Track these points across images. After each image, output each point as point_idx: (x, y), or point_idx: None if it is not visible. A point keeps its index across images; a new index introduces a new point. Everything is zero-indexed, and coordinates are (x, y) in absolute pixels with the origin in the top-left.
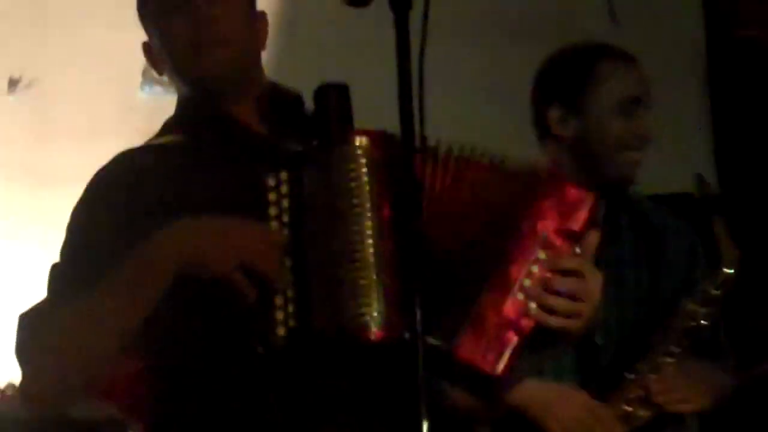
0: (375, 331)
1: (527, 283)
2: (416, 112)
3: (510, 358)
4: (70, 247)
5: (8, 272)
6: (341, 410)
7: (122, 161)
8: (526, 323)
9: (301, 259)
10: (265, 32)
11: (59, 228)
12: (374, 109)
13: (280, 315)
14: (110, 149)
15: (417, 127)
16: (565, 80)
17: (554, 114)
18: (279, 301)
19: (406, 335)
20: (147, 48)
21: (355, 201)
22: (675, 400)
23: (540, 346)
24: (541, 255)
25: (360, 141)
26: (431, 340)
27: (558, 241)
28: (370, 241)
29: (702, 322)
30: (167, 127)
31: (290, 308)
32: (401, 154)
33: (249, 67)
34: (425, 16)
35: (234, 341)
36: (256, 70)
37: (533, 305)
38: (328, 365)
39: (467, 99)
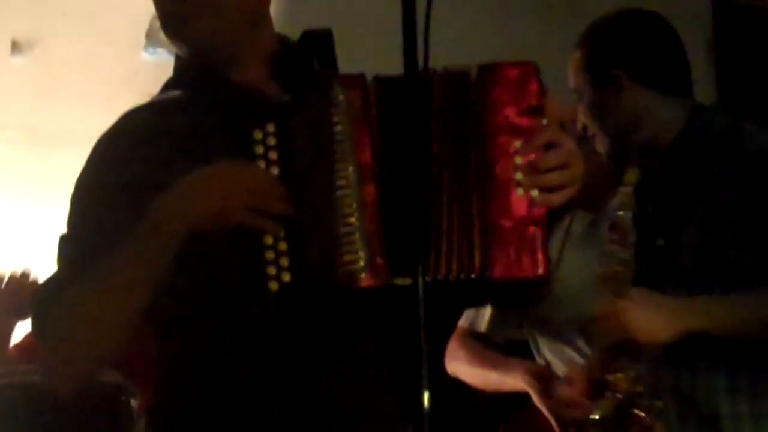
0: (362, 278)
1: (519, 176)
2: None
3: (544, 253)
4: (77, 217)
5: (12, 233)
6: (342, 361)
7: (122, 124)
8: (538, 212)
9: (292, 211)
10: None
11: (62, 189)
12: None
13: (272, 270)
14: (114, 111)
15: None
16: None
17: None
18: (270, 255)
19: (398, 280)
20: None
21: (335, 147)
22: (626, 331)
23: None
24: (518, 144)
25: (337, 87)
26: (459, 276)
27: (525, 123)
28: (352, 187)
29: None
30: (167, 87)
31: (283, 262)
32: (388, 96)
33: (244, 29)
34: None
35: (228, 300)
36: (258, 29)
37: (535, 193)
38: (324, 317)
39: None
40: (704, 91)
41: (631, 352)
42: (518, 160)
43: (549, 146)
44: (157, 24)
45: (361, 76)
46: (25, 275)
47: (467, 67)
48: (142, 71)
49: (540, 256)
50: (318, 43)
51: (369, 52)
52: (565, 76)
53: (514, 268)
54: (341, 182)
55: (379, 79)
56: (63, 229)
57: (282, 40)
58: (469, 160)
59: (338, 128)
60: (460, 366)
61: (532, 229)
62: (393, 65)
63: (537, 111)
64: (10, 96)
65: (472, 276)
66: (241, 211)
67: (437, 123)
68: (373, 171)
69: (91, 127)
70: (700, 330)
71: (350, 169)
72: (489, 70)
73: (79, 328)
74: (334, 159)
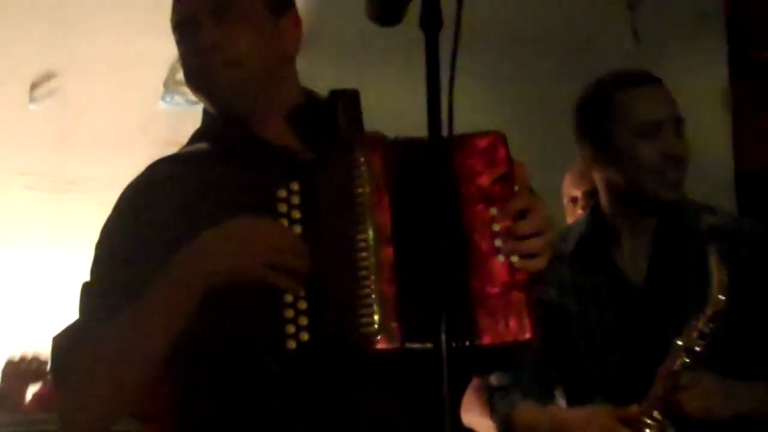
0: (376, 341)
1: (498, 243)
2: (445, 126)
3: (531, 317)
4: (101, 265)
5: (27, 277)
6: (360, 421)
7: (149, 175)
8: (520, 277)
9: (312, 269)
10: (296, 35)
11: (79, 235)
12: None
13: (291, 328)
14: (131, 158)
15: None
16: (588, 118)
17: (586, 152)
18: (290, 313)
19: (410, 345)
20: None
21: (355, 209)
22: (689, 403)
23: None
24: (493, 211)
25: (359, 147)
26: (449, 344)
27: (497, 190)
28: (370, 249)
29: (698, 348)
30: (194, 138)
31: (302, 321)
32: (407, 159)
33: (268, 82)
34: (456, 38)
35: (246, 356)
36: (282, 81)
37: (515, 258)
38: (339, 377)
39: (490, 114)
40: (720, 142)
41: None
42: (496, 227)
43: (523, 212)
44: (175, 73)
45: (382, 138)
46: (36, 360)
47: (440, 138)
48: (159, 119)
49: (526, 320)
50: (345, 103)
51: (393, 111)
52: None
53: (503, 334)
54: (360, 244)
55: (399, 142)
56: (85, 276)
57: (308, 93)
58: (448, 231)
59: (358, 190)
60: (475, 418)
61: (516, 294)
62: (418, 126)
63: (508, 178)
64: (28, 143)
65: (462, 344)
66: (260, 268)
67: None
68: (391, 234)
69: (108, 173)
70: (748, 413)
71: (369, 231)
72: (458, 141)
73: (97, 377)
74: (354, 220)
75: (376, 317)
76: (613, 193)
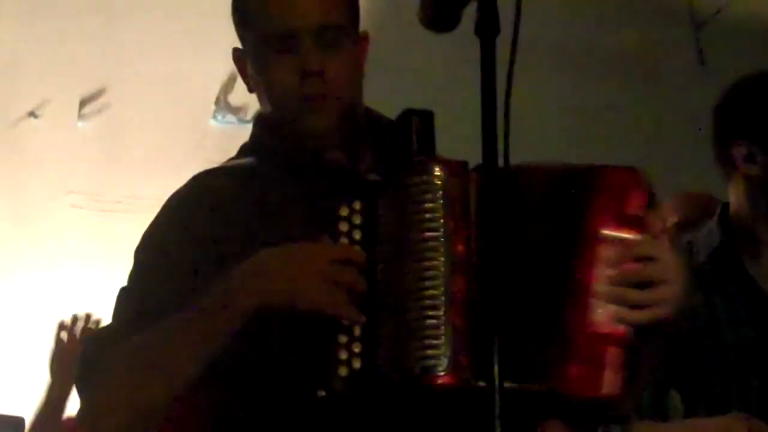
0: (442, 375)
1: (603, 288)
2: (501, 141)
3: (621, 373)
4: (139, 272)
5: (77, 297)
6: None
7: (195, 186)
8: (618, 329)
9: (370, 294)
10: (366, 53)
11: (127, 255)
12: (457, 135)
13: (343, 354)
14: (181, 177)
15: (501, 159)
16: (750, 114)
17: (740, 151)
18: (343, 339)
19: (477, 382)
20: (237, 55)
21: (428, 235)
22: None
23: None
24: (612, 254)
25: (438, 171)
26: (525, 385)
27: (622, 232)
28: (442, 278)
29: None
30: (243, 152)
31: (356, 348)
32: (483, 186)
33: (353, 113)
34: (514, 43)
35: (295, 381)
36: (360, 105)
37: (618, 308)
38: (392, 411)
39: (553, 133)
40: None
41: None
42: (607, 270)
43: (646, 260)
44: (226, 91)
45: (464, 164)
46: (88, 319)
47: (569, 167)
48: (210, 138)
49: (612, 376)
50: (418, 124)
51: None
52: None
53: (582, 385)
54: (430, 272)
55: (480, 169)
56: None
57: (368, 111)
58: (556, 267)
59: (432, 215)
60: None
61: (609, 348)
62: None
63: (637, 222)
64: (76, 161)
65: (541, 387)
66: (319, 295)
67: (531, 223)
68: (466, 264)
69: (157, 192)
70: None
71: (441, 259)
72: (590, 173)
73: (124, 385)
74: (423, 247)
75: (444, 349)
76: (762, 200)
